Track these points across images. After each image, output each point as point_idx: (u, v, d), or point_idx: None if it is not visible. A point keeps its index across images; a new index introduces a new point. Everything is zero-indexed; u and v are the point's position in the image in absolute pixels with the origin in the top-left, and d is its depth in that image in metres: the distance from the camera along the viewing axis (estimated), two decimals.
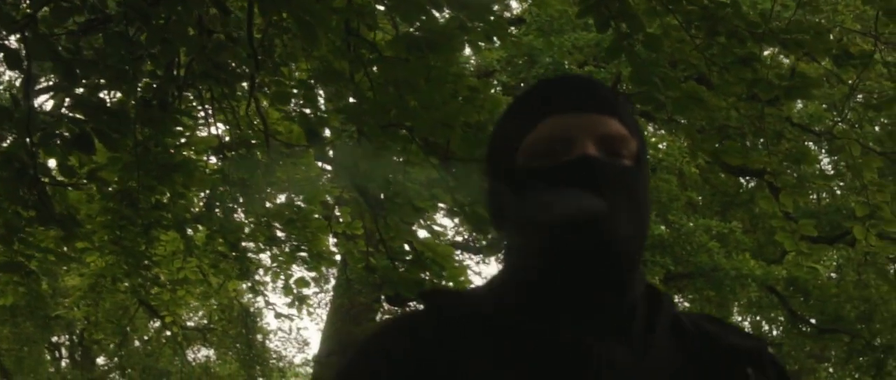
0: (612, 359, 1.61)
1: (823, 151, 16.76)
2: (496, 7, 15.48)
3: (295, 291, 9.84)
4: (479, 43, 5.98)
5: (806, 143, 15.14)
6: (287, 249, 9.21)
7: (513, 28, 16.00)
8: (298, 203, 8.82)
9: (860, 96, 13.72)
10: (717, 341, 1.74)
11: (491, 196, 1.85)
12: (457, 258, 13.88)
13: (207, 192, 8.87)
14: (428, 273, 7.08)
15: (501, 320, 1.68)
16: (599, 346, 1.62)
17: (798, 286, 17.38)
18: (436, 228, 12.49)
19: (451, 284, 7.11)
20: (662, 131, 15.75)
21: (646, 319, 1.70)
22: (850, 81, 8.29)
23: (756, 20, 6.05)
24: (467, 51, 9.66)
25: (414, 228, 7.99)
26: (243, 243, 9.26)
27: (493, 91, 14.98)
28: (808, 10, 8.03)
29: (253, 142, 7.92)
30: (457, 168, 6.13)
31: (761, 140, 13.74)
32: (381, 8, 6.30)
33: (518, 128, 1.76)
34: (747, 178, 16.95)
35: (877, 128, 14.11)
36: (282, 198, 9.81)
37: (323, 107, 7.55)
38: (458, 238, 18.74)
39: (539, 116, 1.73)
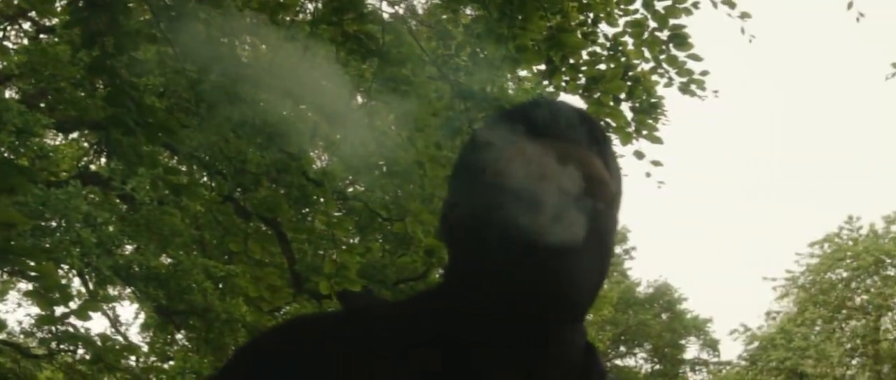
0: None
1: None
2: (33, 13, 14.82)
3: None
4: None
5: (317, 198, 15.46)
6: None
7: (45, 36, 15.36)
8: None
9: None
10: None
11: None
12: None
13: None
14: None
15: (414, 336, 1.55)
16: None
17: None
18: None
19: None
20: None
21: (572, 372, 1.57)
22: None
23: (246, 63, 6.05)
24: None
25: None
26: None
27: (6, 96, 14.31)
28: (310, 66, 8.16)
29: None
30: None
31: (273, 185, 13.91)
32: None
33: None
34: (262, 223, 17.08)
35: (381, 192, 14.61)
36: None
37: None
38: None
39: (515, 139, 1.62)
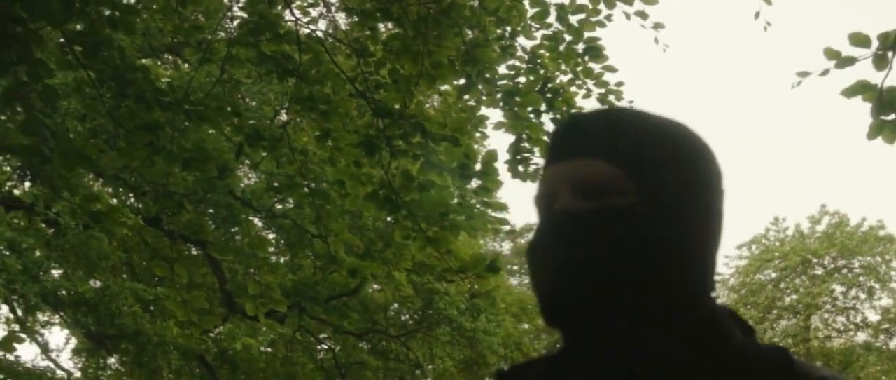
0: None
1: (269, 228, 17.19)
2: None
3: None
4: None
5: (250, 218, 15.44)
6: None
7: None
8: None
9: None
10: None
11: None
12: None
13: None
14: None
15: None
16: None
17: (226, 358, 17.57)
18: None
19: None
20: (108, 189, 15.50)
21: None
22: (258, 160, 8.48)
23: (163, 88, 6.06)
24: None
25: None
26: None
27: None
28: (229, 86, 8.18)
29: None
30: None
31: (202, 206, 13.86)
32: None
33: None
34: (190, 245, 16.99)
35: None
36: None
37: None
38: None
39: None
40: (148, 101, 5.98)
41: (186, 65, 14.43)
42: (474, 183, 6.51)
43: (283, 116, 14.62)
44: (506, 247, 39.41)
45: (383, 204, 6.55)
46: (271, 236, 17.52)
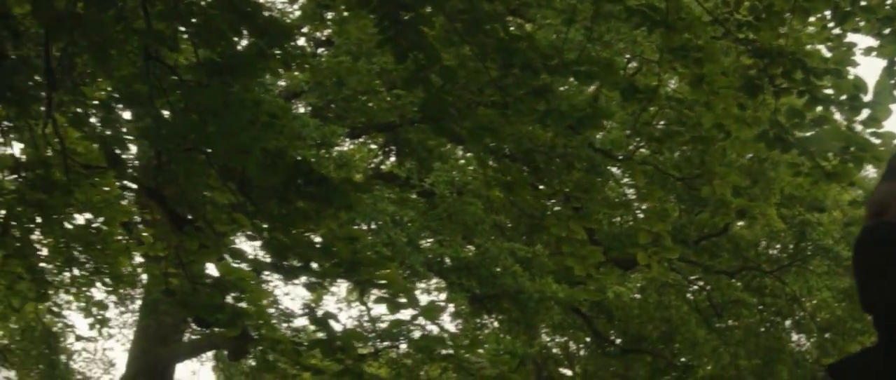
0: None
1: (626, 175, 17.27)
2: (306, 29, 15.54)
3: (95, 313, 9.66)
4: (279, 69, 6.04)
5: (608, 168, 15.55)
6: (86, 272, 9.03)
7: (322, 49, 16.06)
8: (97, 224, 8.65)
9: (662, 123, 14.15)
10: None
11: None
12: (265, 279, 13.86)
13: (3, 212, 8.64)
14: (228, 296, 7.06)
15: None
16: None
17: (602, 307, 17.81)
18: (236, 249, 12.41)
19: (250, 307, 7.12)
20: (470, 154, 15.97)
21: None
22: (635, 114, 8.56)
23: (549, 53, 6.24)
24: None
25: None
26: (41, 264, 9.05)
27: (301, 112, 15.04)
28: (598, 44, 8.31)
29: (50, 163, 7.77)
30: (254, 194, 6.16)
31: (552, 168, 14.08)
32: (181, 29, 6.28)
33: None
34: (552, 201, 17.27)
35: (676, 154, 14.53)
36: (79, 219, 9.61)
37: (124, 128, 7.48)
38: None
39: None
40: (534, 67, 6.17)
41: (528, 25, 14.57)
42: (864, 114, 6.37)
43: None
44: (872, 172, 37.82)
45: (773, 143, 6.52)
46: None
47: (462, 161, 15.93)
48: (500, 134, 6.08)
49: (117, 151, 6.41)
